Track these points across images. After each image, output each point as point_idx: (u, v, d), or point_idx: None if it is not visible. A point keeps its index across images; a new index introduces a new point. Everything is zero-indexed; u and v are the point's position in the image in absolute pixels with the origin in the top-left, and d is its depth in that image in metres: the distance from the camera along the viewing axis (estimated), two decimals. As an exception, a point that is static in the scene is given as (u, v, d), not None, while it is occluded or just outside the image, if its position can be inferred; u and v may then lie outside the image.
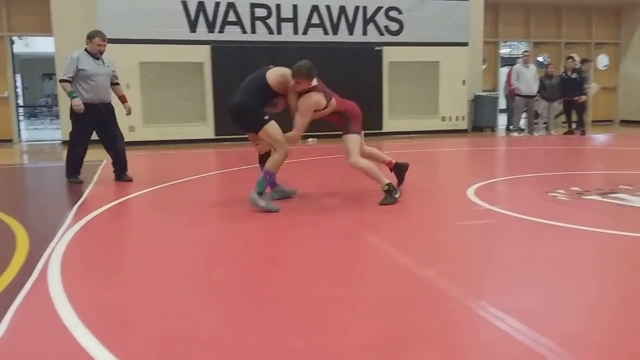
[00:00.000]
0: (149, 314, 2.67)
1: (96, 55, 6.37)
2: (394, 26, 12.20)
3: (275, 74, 4.81)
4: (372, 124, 12.32)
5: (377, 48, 12.14)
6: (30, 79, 21.00)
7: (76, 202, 5.36)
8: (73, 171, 6.52)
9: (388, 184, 4.98)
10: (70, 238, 4.03)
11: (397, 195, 4.99)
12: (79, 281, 3.20)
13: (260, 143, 5.06)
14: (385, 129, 12.46)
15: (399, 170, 5.63)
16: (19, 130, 12.35)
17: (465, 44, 12.70)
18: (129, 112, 6.74)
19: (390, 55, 12.24)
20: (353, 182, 5.39)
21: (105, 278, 3.28)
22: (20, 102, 16.20)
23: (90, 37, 6.38)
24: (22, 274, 3.23)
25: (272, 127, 4.78)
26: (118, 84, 6.80)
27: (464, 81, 12.82)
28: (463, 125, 13.02)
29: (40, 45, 16.47)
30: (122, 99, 6.72)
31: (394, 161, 5.61)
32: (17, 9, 11.50)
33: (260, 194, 4.71)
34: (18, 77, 14.13)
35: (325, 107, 4.92)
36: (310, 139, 11.03)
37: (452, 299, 2.79)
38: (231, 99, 4.91)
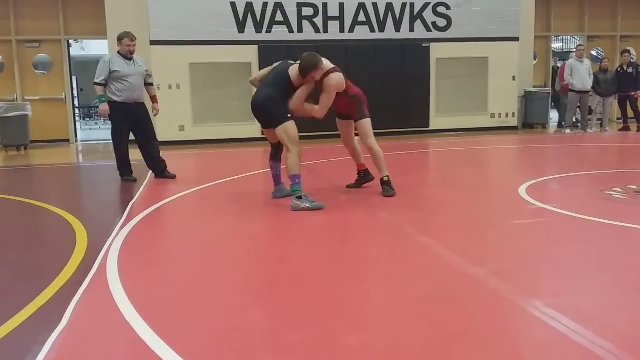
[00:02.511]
0: (202, 308, 2.74)
1: (127, 56, 6.53)
2: (441, 22, 12.04)
3: (296, 71, 5.07)
4: (419, 121, 12.22)
5: (424, 44, 12.01)
6: (85, 81, 21.74)
7: (130, 200, 5.53)
8: (124, 170, 6.73)
9: (387, 176, 5.26)
10: (126, 234, 4.17)
11: (394, 188, 5.22)
12: (136, 275, 3.31)
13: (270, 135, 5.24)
14: (432, 127, 12.30)
15: (365, 177, 5.65)
16: (76, 130, 12.79)
17: (516, 39, 12.40)
18: (156, 113, 6.91)
19: (437, 51, 12.08)
20: (401, 178, 5.36)
21: (160, 273, 3.39)
22: (76, 103, 16.75)
23: (119, 38, 6.55)
24: (82, 269, 3.38)
25: (291, 127, 4.95)
26: (152, 84, 6.95)
27: (514, 77, 12.54)
28: (513, 122, 12.73)
29: (94, 48, 17.00)
30: (153, 99, 6.89)
31: (365, 167, 5.64)
32: (73, 13, 11.93)
33: (299, 197, 4.79)
34: (74, 79, 14.61)
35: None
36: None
37: (505, 299, 2.75)
38: (256, 94, 5.11)
